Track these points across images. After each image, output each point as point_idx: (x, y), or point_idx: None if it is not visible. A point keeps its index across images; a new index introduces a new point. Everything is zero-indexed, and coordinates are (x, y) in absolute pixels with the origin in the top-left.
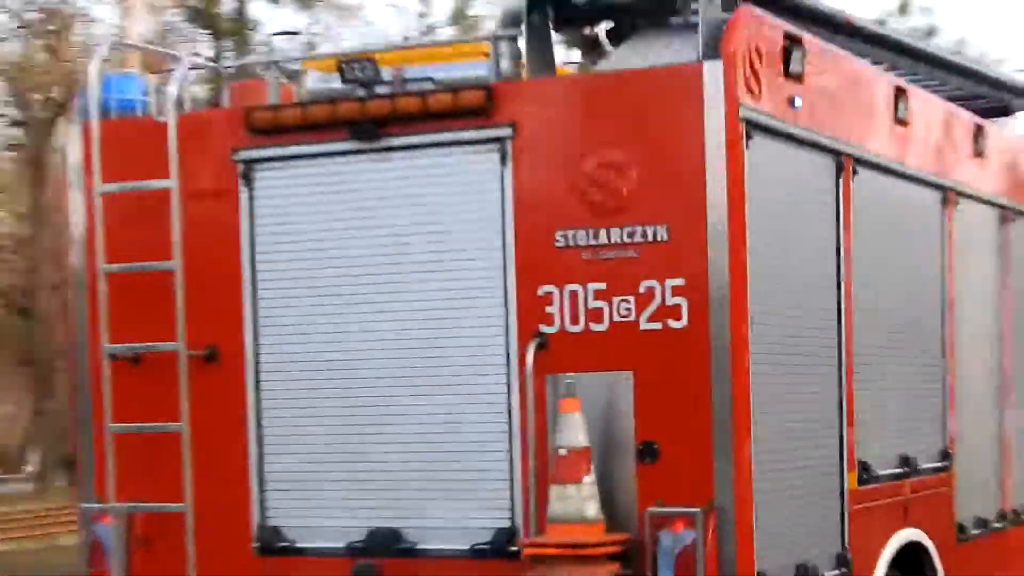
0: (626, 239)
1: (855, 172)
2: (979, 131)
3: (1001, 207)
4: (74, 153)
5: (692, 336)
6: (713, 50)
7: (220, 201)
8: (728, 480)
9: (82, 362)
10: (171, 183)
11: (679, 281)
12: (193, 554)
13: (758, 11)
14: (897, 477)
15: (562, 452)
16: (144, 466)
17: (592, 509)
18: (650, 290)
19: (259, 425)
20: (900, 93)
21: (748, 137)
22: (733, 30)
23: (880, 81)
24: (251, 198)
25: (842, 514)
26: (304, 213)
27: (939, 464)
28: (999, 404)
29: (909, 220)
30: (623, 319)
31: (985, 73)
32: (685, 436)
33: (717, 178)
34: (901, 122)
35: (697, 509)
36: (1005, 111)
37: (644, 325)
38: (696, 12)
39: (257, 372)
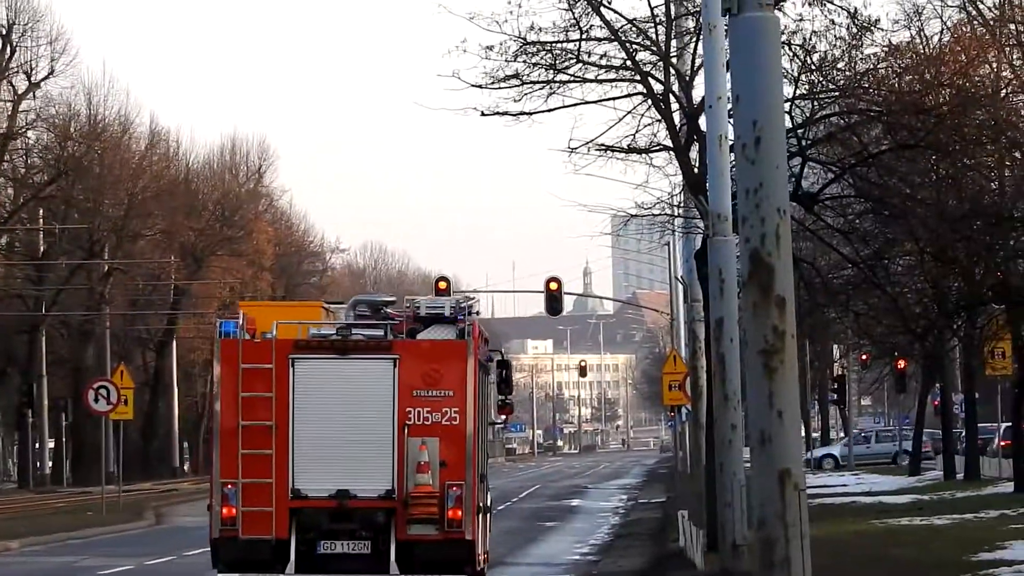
0: (438, 393)
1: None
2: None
3: None
4: (218, 351)
5: (460, 426)
6: (468, 336)
7: (284, 371)
8: (469, 473)
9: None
10: (271, 365)
11: (456, 408)
12: (273, 497)
13: (478, 321)
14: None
15: (421, 462)
16: (251, 467)
17: (429, 481)
18: (445, 411)
19: (293, 451)
20: None
21: (478, 366)
22: (475, 328)
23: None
24: (294, 373)
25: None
26: (309, 378)
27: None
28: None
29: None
30: (436, 419)
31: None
32: (456, 459)
33: (471, 377)
34: None
35: (461, 482)
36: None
37: (443, 422)
38: (461, 321)
39: (293, 433)
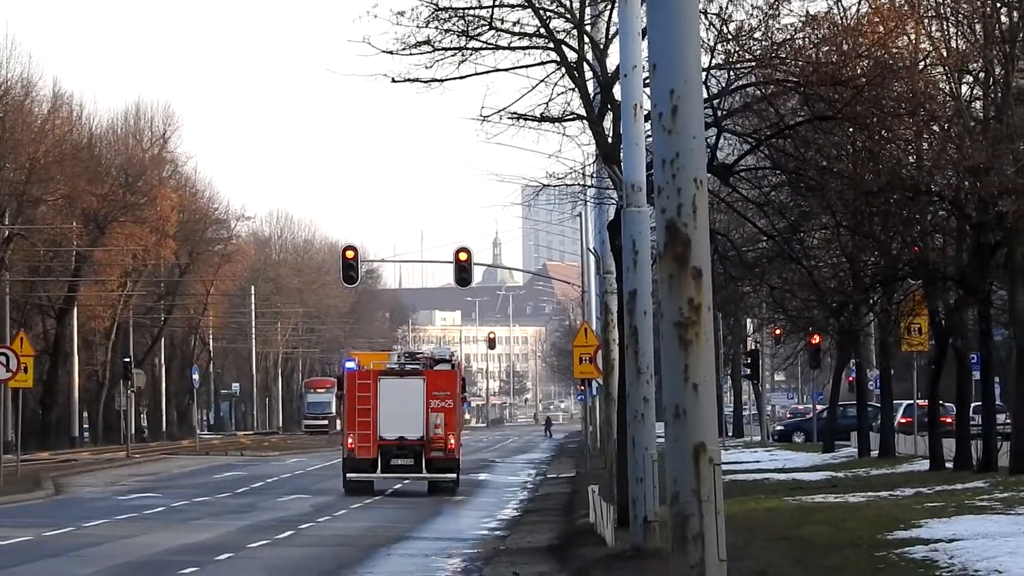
0: (443, 393)
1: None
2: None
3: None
4: (345, 375)
5: (452, 408)
6: (456, 368)
7: (376, 383)
8: (458, 429)
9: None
10: (370, 381)
11: (451, 400)
12: (371, 439)
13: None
14: None
15: (436, 423)
16: (361, 425)
17: (440, 432)
18: (447, 402)
19: (379, 419)
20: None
21: (460, 382)
22: (460, 365)
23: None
24: (380, 384)
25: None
26: (387, 387)
27: None
28: None
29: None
30: (442, 405)
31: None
32: (451, 422)
33: (457, 387)
34: None
35: (453, 432)
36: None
37: (445, 406)
38: (452, 361)
39: (379, 411)
